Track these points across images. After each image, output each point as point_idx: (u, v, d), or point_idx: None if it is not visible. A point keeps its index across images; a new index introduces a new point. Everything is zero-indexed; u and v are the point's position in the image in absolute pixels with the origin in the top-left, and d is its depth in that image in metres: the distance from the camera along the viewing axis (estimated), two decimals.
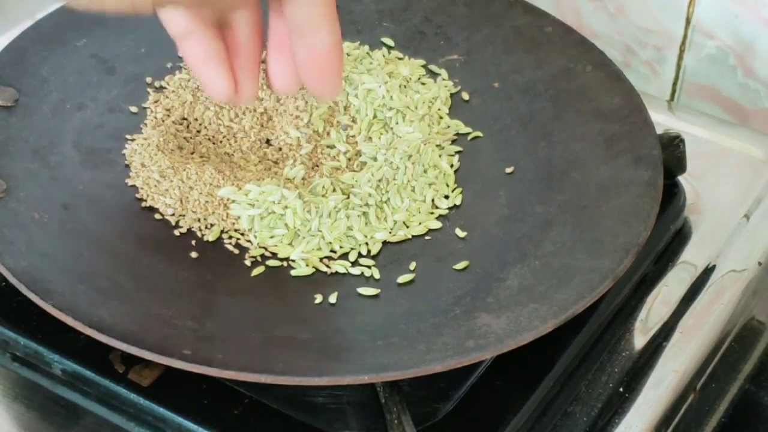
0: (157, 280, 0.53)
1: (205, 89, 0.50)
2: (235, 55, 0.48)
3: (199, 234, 0.55)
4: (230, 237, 0.55)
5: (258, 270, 0.54)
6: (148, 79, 0.63)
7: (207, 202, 0.56)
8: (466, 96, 0.64)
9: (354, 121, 0.61)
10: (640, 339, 0.56)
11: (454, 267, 0.54)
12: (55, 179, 0.56)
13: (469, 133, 0.62)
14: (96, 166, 0.58)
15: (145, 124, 0.61)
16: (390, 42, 0.66)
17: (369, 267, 0.54)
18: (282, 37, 0.48)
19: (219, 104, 0.61)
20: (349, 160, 0.60)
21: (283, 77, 0.49)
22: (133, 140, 0.60)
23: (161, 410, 0.51)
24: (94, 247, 0.54)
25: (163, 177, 0.56)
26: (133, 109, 0.61)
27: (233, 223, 0.56)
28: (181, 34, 0.48)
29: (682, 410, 0.55)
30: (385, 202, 0.57)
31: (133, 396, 0.51)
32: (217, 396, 0.51)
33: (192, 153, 0.59)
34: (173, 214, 0.55)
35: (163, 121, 0.60)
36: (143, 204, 0.56)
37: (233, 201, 0.56)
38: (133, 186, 0.57)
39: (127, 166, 0.58)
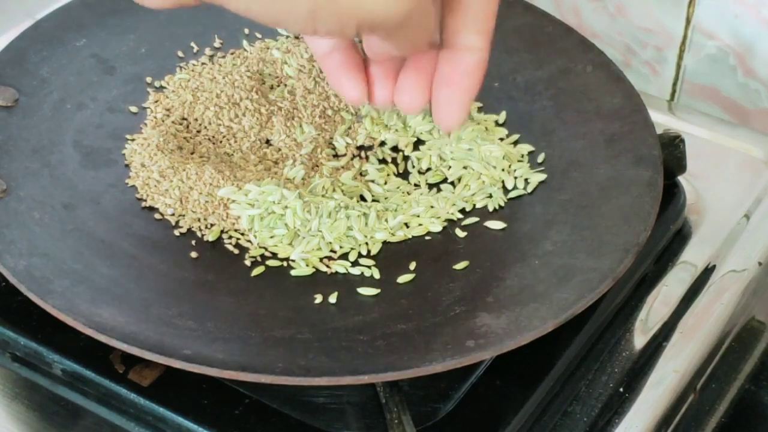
0: (157, 280, 0.53)
1: (338, 93, 0.50)
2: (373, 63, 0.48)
3: (199, 234, 0.55)
4: (230, 237, 0.55)
5: (258, 270, 0.54)
6: (148, 79, 0.63)
7: (207, 202, 0.56)
8: None
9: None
10: (640, 339, 0.56)
11: (454, 267, 0.54)
12: (55, 179, 0.56)
13: None
14: (96, 166, 0.58)
15: (145, 124, 0.61)
16: None
17: (369, 267, 0.54)
18: (424, 57, 0.48)
19: (219, 104, 0.61)
20: (353, 158, 0.60)
21: (412, 95, 0.48)
22: (133, 140, 0.60)
23: (161, 410, 0.51)
24: (94, 247, 0.54)
25: (163, 177, 0.56)
26: (133, 109, 0.61)
27: (233, 223, 0.56)
28: (324, 53, 0.48)
29: (682, 410, 0.55)
30: (394, 209, 0.57)
31: (133, 396, 0.51)
32: (217, 396, 0.51)
33: (192, 153, 0.59)
34: (173, 214, 0.56)
35: (163, 121, 0.60)
36: (143, 204, 0.56)
37: (233, 201, 0.56)
38: (133, 186, 0.57)
39: (127, 166, 0.58)
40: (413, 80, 0.48)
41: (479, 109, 0.62)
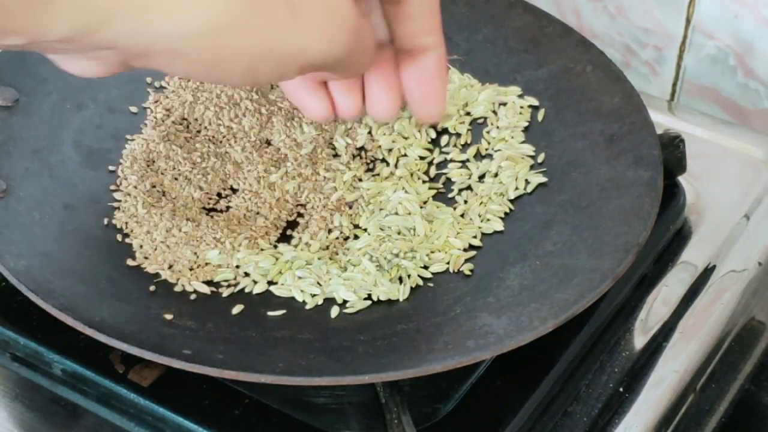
0: (157, 280, 0.53)
1: (302, 112, 0.50)
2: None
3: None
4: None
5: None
6: (148, 79, 0.63)
7: (199, 267, 0.54)
8: None
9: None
10: (640, 339, 0.56)
11: (454, 267, 0.54)
12: (55, 179, 0.56)
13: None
14: (96, 166, 0.58)
15: (145, 124, 0.61)
16: None
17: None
18: (383, 64, 0.48)
19: (219, 104, 0.61)
20: (353, 157, 0.60)
21: (385, 103, 0.49)
22: (133, 140, 0.60)
23: (161, 410, 0.51)
24: (94, 247, 0.54)
25: (153, 241, 0.55)
26: (133, 109, 0.61)
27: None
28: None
29: (682, 410, 0.55)
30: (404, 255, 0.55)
31: (133, 396, 0.51)
32: (217, 396, 0.51)
33: (184, 206, 0.58)
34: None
35: (163, 121, 0.60)
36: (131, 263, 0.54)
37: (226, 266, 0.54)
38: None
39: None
40: (381, 89, 0.49)
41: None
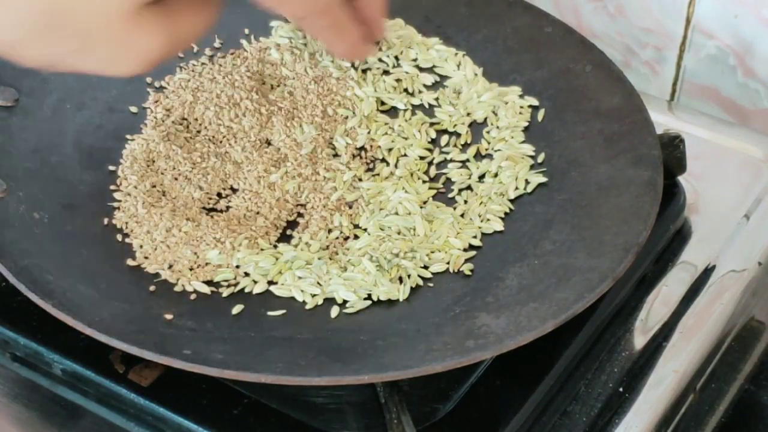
0: (157, 280, 0.53)
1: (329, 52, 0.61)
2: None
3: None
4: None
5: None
6: (148, 79, 0.63)
7: (199, 267, 0.54)
8: None
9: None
10: (640, 339, 0.56)
11: (454, 267, 0.54)
12: (55, 179, 0.56)
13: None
14: (96, 166, 0.58)
15: (145, 124, 0.61)
16: None
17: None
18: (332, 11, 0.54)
19: (219, 104, 0.61)
20: (353, 157, 0.60)
21: (348, 44, 0.57)
22: (133, 140, 0.60)
23: (161, 410, 0.51)
24: (95, 247, 0.54)
25: (153, 240, 0.55)
26: (133, 109, 0.61)
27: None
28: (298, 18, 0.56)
29: (682, 410, 0.55)
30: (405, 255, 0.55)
31: (133, 396, 0.51)
32: (217, 396, 0.51)
33: (193, 154, 0.59)
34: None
35: (163, 121, 0.60)
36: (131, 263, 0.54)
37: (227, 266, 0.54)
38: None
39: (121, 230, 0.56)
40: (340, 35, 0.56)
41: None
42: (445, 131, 0.62)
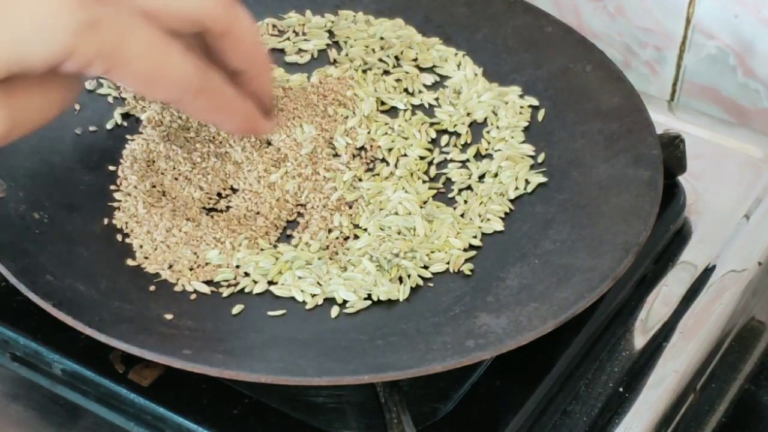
0: (156, 280, 0.53)
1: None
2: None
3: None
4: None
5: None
6: None
7: (199, 267, 0.54)
8: None
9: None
10: (640, 339, 0.56)
11: (454, 267, 0.54)
12: (55, 179, 0.56)
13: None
14: (96, 166, 0.58)
15: (145, 125, 0.61)
16: None
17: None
18: (215, 90, 0.50)
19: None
20: (353, 157, 0.60)
21: (237, 121, 0.52)
22: (133, 140, 0.60)
23: (161, 410, 0.51)
24: (95, 247, 0.54)
25: (153, 241, 0.55)
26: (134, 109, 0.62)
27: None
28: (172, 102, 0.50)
29: (682, 410, 0.55)
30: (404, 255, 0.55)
31: (133, 396, 0.51)
32: (217, 396, 0.51)
33: (192, 153, 0.59)
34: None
35: (162, 121, 0.60)
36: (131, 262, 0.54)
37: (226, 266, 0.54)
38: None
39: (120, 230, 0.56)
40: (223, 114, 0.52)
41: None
42: (445, 131, 0.62)
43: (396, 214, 0.56)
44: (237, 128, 0.54)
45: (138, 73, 0.45)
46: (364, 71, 0.64)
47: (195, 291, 0.52)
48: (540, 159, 0.59)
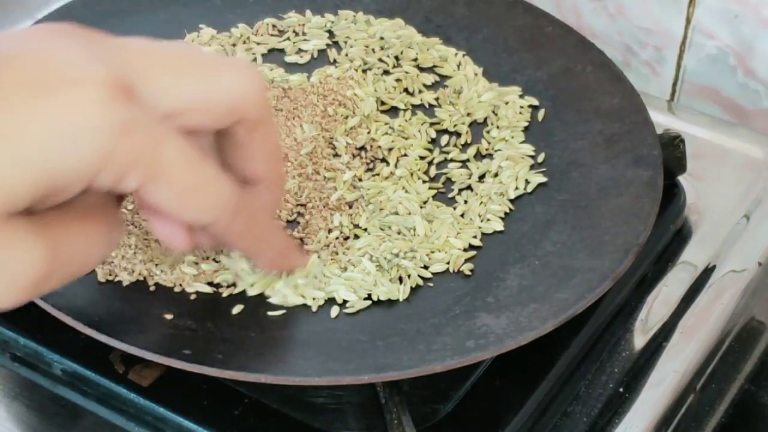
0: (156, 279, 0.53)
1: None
2: None
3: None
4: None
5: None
6: None
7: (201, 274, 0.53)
8: None
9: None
10: (640, 339, 0.56)
11: (454, 267, 0.54)
12: None
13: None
14: None
15: None
16: None
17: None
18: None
19: None
20: (353, 157, 0.60)
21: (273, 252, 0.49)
22: None
23: (161, 410, 0.51)
24: None
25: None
26: None
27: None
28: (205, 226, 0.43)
29: (682, 410, 0.55)
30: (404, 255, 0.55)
31: (133, 396, 0.51)
32: (217, 396, 0.51)
33: None
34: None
35: None
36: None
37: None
38: None
39: None
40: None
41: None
42: (445, 131, 0.62)
43: (396, 214, 0.56)
44: (271, 262, 0.50)
45: (176, 186, 0.39)
46: (364, 71, 0.64)
47: (195, 291, 0.52)
48: (540, 159, 0.59)
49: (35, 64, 0.36)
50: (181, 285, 0.52)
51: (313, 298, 0.52)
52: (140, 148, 0.37)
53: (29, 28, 0.39)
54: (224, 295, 0.52)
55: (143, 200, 0.39)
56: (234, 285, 0.53)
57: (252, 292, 0.52)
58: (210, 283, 0.53)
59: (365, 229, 0.56)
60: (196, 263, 0.53)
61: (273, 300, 0.52)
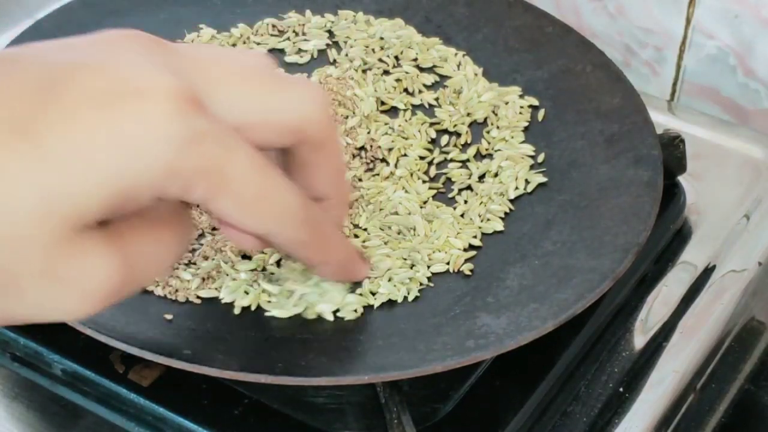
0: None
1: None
2: None
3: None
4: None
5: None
6: None
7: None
8: None
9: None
10: (640, 339, 0.56)
11: (454, 267, 0.54)
12: None
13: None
14: None
15: None
16: None
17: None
18: None
19: None
20: (353, 157, 0.60)
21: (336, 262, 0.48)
22: None
23: (161, 410, 0.51)
24: None
25: None
26: None
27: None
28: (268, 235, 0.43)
29: (682, 410, 0.55)
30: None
31: (133, 396, 0.51)
32: (217, 396, 0.51)
33: None
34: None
35: None
36: None
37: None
38: None
39: None
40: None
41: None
42: (445, 131, 0.62)
43: (396, 214, 0.56)
44: (334, 272, 0.49)
45: (242, 197, 0.39)
46: (364, 71, 0.64)
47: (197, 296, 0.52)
48: (540, 159, 0.59)
49: (102, 74, 0.36)
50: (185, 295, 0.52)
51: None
52: (206, 160, 0.37)
53: (93, 35, 0.38)
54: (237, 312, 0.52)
55: (209, 210, 0.39)
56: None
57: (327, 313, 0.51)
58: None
59: (365, 229, 0.56)
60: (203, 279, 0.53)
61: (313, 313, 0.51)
